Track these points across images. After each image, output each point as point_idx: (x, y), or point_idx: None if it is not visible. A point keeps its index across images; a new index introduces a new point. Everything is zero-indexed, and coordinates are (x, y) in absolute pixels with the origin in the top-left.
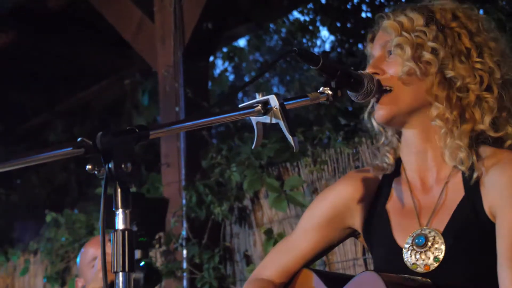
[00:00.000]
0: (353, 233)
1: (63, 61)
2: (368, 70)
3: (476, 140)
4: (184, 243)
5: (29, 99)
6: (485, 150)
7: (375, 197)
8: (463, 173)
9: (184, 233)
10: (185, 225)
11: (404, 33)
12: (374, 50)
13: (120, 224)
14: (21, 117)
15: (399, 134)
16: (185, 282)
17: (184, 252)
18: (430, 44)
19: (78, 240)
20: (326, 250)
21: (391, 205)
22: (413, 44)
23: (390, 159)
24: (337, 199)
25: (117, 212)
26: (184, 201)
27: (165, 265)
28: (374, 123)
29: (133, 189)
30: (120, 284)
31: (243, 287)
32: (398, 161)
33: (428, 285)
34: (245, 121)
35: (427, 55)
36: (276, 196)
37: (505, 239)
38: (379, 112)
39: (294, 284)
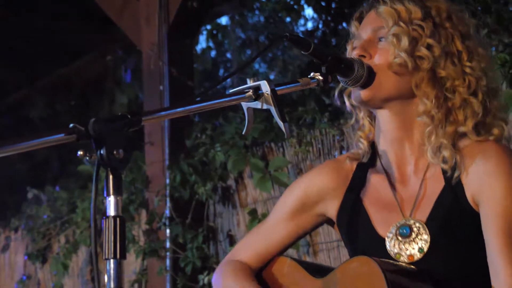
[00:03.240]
0: (327, 221)
1: (45, 36)
2: (356, 52)
3: (458, 137)
4: (167, 223)
5: (9, 74)
6: (464, 142)
7: (350, 186)
8: None
9: (167, 212)
10: (168, 204)
11: (401, 23)
12: (363, 31)
13: (111, 211)
14: (1, 92)
15: (372, 118)
16: (168, 262)
17: (168, 231)
18: (428, 40)
19: (60, 218)
20: (300, 237)
21: (367, 195)
22: (410, 36)
23: (364, 144)
24: (310, 187)
25: (109, 199)
26: (167, 180)
27: (148, 244)
28: (347, 102)
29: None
30: (111, 271)
31: (219, 267)
32: (373, 151)
33: (417, 272)
34: None
35: (423, 50)
36: (261, 177)
37: (493, 230)
38: (358, 93)
39: (270, 270)
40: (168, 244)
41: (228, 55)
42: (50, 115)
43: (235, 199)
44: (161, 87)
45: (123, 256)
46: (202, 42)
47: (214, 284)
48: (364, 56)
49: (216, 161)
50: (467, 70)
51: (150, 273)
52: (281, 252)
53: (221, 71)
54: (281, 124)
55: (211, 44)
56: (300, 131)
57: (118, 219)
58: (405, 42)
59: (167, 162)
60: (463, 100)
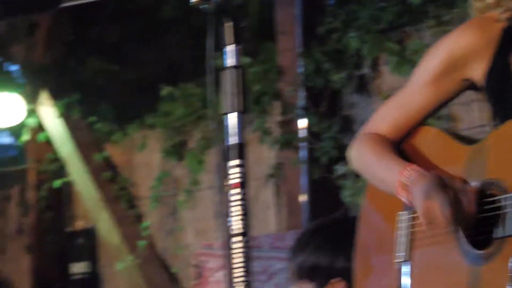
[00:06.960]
0: (471, 86)
1: None
2: None
3: None
4: (301, 113)
5: None
6: None
7: (499, 49)
8: None
9: (301, 102)
10: (302, 94)
11: None
12: None
13: (229, 61)
14: None
15: None
16: (303, 152)
17: (301, 122)
18: None
19: (194, 113)
20: (442, 104)
21: None
22: None
23: None
24: (454, 48)
25: (226, 49)
26: (300, 70)
27: (282, 136)
28: None
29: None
30: (232, 126)
31: (354, 141)
32: None
33: None
34: None
35: None
36: (397, 61)
37: None
38: None
39: (412, 139)
40: (302, 134)
41: None
42: (182, 16)
43: (371, 87)
44: None
45: (244, 108)
46: None
47: (352, 158)
48: None
49: (350, 48)
50: None
51: (286, 165)
52: (421, 122)
53: None
54: None
55: None
56: (438, 10)
57: (237, 69)
58: None
59: (299, 51)
60: None
